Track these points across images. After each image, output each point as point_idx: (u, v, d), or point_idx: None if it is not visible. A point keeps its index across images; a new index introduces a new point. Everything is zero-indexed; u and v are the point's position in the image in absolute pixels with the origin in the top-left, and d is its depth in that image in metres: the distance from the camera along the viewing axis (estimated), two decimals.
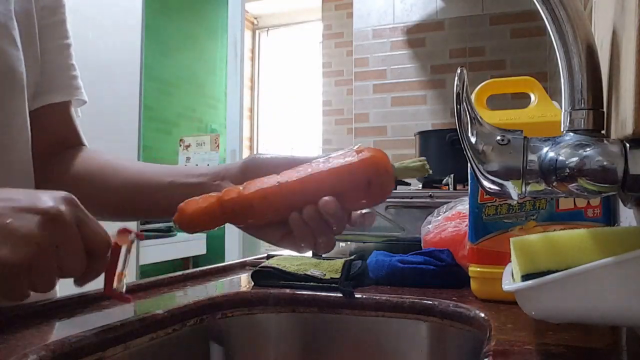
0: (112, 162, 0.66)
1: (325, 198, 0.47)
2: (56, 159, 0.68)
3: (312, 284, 0.70)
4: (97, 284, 0.48)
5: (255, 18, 4.82)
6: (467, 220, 0.67)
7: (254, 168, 0.55)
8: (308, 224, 0.48)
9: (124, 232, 0.46)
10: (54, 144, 0.68)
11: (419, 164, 0.49)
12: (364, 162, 0.48)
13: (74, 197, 0.43)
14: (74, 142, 0.71)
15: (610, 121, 0.41)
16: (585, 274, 0.32)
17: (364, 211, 0.51)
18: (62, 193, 0.42)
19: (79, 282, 0.45)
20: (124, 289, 0.47)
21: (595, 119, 0.37)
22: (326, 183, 0.48)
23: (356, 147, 0.50)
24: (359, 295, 0.66)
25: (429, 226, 0.83)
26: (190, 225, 0.51)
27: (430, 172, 0.50)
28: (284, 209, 0.49)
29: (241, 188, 0.51)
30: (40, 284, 0.40)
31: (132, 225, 1.94)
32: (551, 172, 0.36)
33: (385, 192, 0.49)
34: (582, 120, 0.37)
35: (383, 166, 0.48)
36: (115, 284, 0.47)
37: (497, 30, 2.33)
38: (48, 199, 0.41)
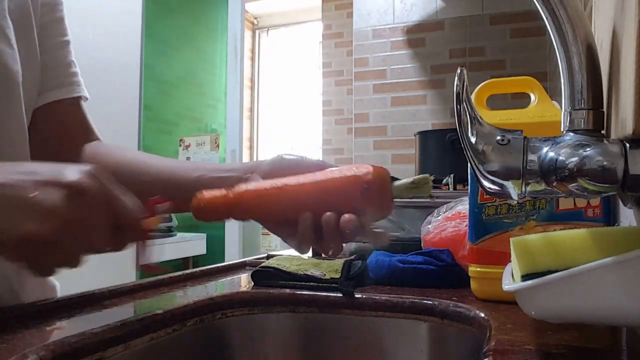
0: (142, 156, 0.66)
1: (347, 215, 0.49)
2: (75, 153, 0.68)
3: (312, 284, 0.70)
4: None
5: (255, 18, 4.82)
6: (467, 220, 0.67)
7: (282, 167, 0.56)
8: (322, 228, 0.49)
9: (154, 202, 0.46)
10: (69, 139, 0.69)
11: (419, 180, 0.49)
12: (362, 178, 0.49)
13: (99, 170, 0.42)
14: (90, 137, 0.71)
15: (610, 121, 0.41)
16: (585, 274, 0.32)
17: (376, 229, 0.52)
18: (87, 167, 0.41)
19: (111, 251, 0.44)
20: (153, 261, 0.47)
21: (595, 119, 0.37)
22: (324, 193, 0.50)
23: (364, 166, 0.51)
24: (359, 295, 0.66)
25: (429, 226, 0.83)
26: (201, 215, 0.52)
27: (431, 192, 0.50)
28: (285, 211, 0.51)
29: (246, 186, 0.52)
30: (67, 259, 0.40)
31: None
32: (551, 172, 0.36)
33: (385, 209, 0.50)
34: (582, 120, 0.37)
35: (382, 183, 0.49)
36: (147, 256, 0.46)
37: (497, 30, 2.33)
38: (72, 172, 0.40)
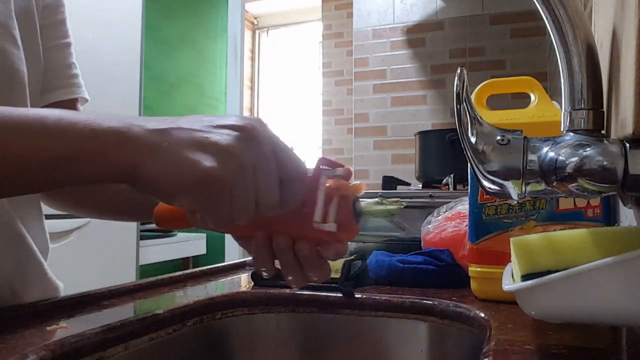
0: None
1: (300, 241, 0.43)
2: None
3: (312, 284, 0.70)
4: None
5: (255, 18, 4.82)
6: (467, 220, 0.67)
7: None
8: (277, 254, 0.45)
9: (325, 162, 0.42)
10: None
11: (385, 208, 0.45)
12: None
13: (264, 121, 0.40)
14: None
15: (610, 121, 0.41)
16: (585, 274, 0.32)
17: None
18: (254, 117, 0.41)
19: (273, 210, 0.40)
20: (329, 228, 0.41)
21: (595, 119, 0.37)
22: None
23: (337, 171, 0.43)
24: (359, 295, 0.66)
25: (429, 226, 0.83)
26: (161, 223, 0.50)
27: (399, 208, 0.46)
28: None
29: None
30: (239, 208, 0.38)
31: (132, 226, 1.94)
32: (551, 172, 0.36)
33: (350, 231, 0.44)
34: (582, 120, 0.37)
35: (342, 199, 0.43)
36: (318, 220, 0.41)
37: (497, 30, 2.33)
38: (242, 118, 0.39)
